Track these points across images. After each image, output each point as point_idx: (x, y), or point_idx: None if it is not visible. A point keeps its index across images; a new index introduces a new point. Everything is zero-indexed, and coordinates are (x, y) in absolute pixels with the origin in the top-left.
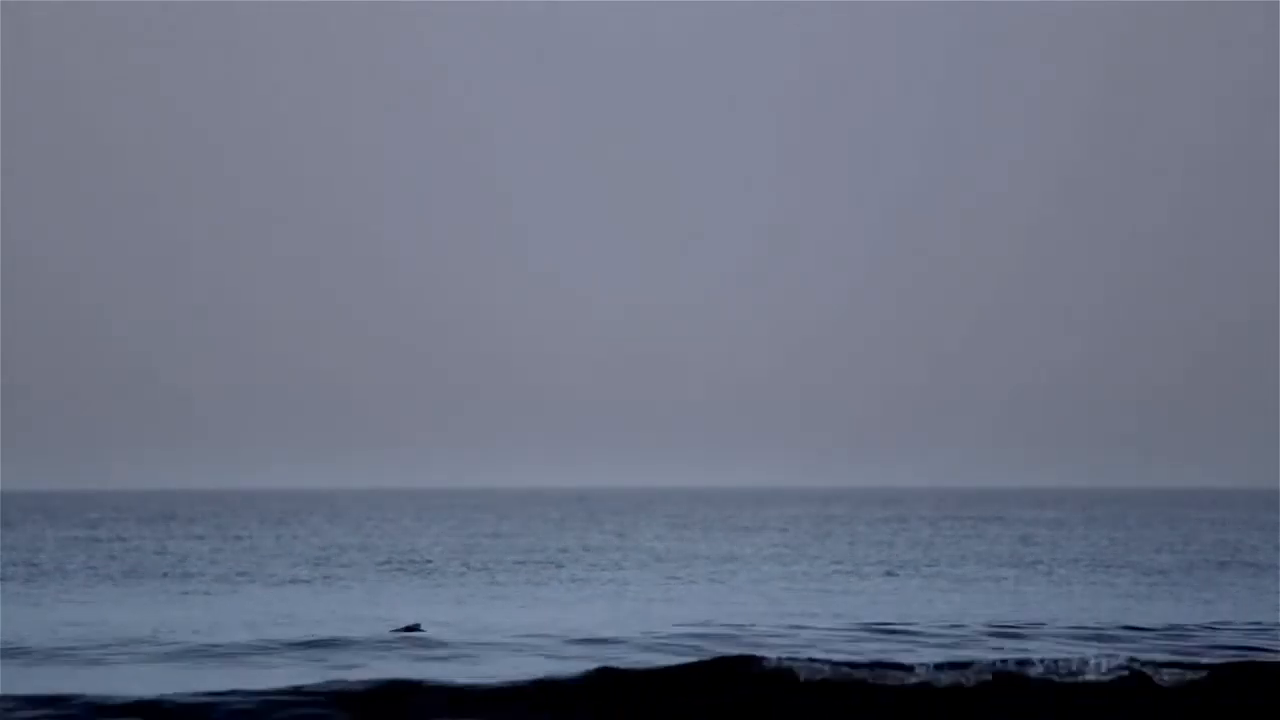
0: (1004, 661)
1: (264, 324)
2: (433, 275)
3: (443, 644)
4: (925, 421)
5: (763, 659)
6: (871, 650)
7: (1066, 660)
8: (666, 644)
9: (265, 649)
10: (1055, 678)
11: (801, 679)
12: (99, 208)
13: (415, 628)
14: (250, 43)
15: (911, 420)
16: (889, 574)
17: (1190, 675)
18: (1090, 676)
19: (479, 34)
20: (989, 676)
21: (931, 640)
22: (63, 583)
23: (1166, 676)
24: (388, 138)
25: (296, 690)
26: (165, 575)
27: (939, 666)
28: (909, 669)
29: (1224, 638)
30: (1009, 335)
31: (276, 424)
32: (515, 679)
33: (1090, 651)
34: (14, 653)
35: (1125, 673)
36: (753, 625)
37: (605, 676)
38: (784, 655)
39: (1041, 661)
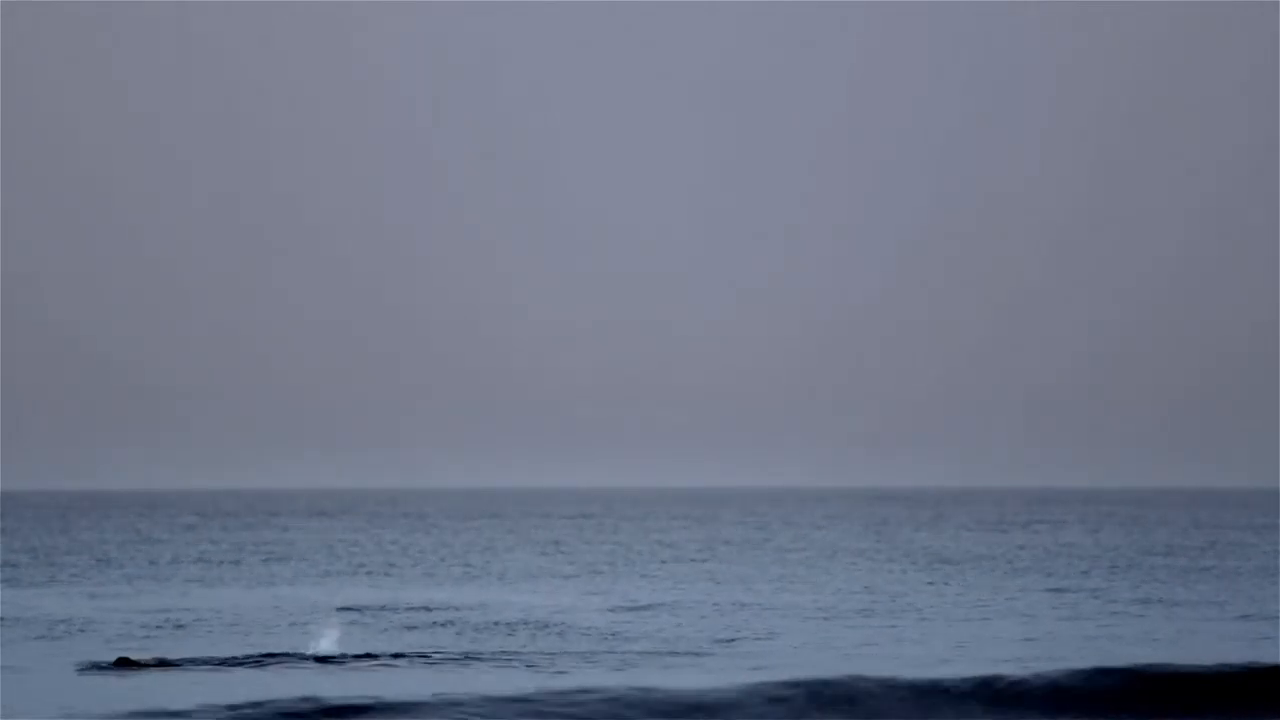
0: None
1: (262, 325)
2: (431, 276)
3: None
4: (941, 422)
5: None
6: None
7: None
8: None
9: None
10: None
11: None
12: (97, 210)
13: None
14: (245, 46)
15: (926, 421)
16: None
17: None
18: None
19: (478, 33)
20: None
21: None
22: None
23: None
24: (387, 139)
25: None
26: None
27: None
28: None
29: None
30: (1027, 336)
31: (274, 425)
32: None
33: None
34: None
35: None
36: None
37: None
38: None
39: None
